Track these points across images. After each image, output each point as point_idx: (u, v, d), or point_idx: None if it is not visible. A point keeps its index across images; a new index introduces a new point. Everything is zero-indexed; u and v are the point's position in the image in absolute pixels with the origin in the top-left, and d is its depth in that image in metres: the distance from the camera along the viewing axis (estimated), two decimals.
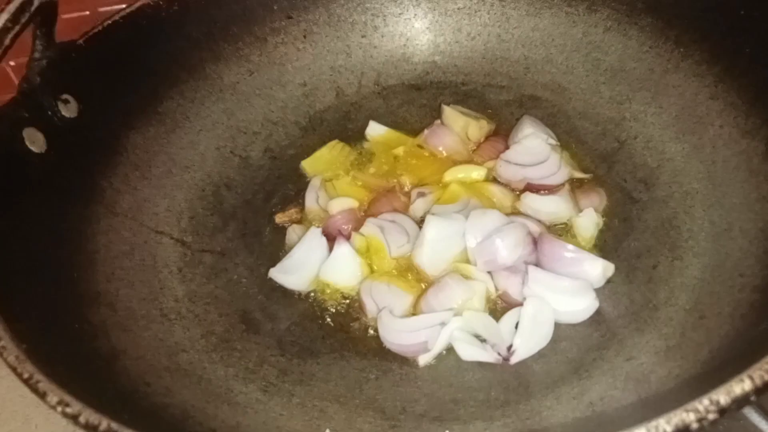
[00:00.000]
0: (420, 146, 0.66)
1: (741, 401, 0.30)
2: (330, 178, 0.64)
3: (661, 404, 0.31)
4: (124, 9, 0.61)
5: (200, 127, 0.66)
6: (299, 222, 0.62)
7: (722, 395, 0.30)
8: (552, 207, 0.58)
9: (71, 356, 0.42)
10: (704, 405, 0.30)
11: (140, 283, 0.52)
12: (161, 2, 0.63)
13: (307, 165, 0.66)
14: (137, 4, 0.62)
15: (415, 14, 0.73)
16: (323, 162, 0.66)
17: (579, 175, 0.60)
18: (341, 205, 0.61)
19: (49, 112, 0.54)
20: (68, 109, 0.55)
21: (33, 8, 0.50)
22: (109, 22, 0.60)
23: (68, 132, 0.55)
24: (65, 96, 0.55)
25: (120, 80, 0.61)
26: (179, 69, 0.65)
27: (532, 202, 0.58)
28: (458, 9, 0.72)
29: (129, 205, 0.57)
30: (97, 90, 0.58)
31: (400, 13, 0.73)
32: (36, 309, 0.44)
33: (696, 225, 0.51)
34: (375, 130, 0.68)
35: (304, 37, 0.71)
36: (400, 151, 0.65)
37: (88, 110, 0.57)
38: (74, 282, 0.50)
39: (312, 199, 0.62)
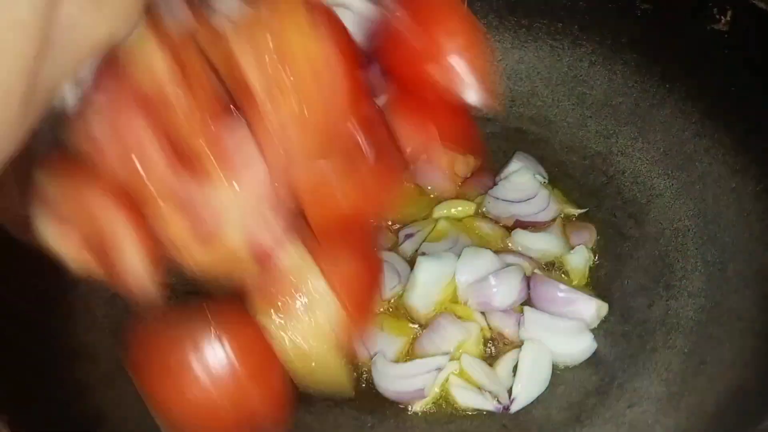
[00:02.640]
0: (406, 183, 0.65)
1: None
2: None
3: None
4: None
5: None
6: None
7: None
8: (543, 244, 0.57)
9: (55, 422, 0.40)
10: None
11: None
12: None
13: None
14: None
15: None
16: None
17: (569, 210, 0.60)
18: None
19: None
20: None
21: None
22: None
23: None
24: None
25: None
26: None
27: (522, 239, 0.58)
28: None
29: None
30: None
31: None
32: (13, 372, 0.42)
33: (689, 264, 0.51)
34: None
35: None
36: None
37: None
38: (53, 336, 0.47)
39: None
